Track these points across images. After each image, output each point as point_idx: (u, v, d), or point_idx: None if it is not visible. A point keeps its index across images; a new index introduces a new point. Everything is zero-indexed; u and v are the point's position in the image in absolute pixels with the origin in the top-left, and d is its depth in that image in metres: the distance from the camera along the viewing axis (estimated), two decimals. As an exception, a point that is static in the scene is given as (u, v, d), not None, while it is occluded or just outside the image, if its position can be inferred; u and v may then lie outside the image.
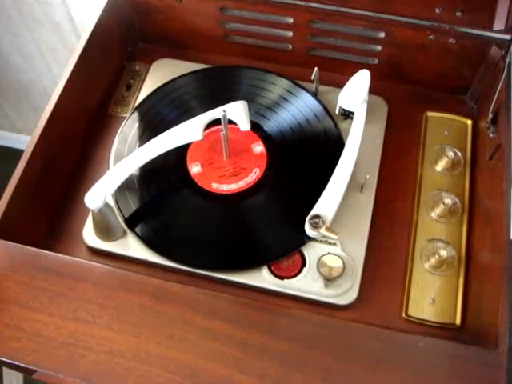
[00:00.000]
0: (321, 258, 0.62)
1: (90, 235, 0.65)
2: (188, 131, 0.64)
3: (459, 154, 0.69)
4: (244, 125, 0.63)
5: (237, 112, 0.63)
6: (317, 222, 0.61)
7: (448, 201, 0.64)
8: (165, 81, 0.75)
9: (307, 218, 0.61)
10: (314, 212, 0.61)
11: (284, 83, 0.73)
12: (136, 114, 0.72)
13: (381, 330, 0.52)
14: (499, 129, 0.61)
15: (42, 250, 0.56)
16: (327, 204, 0.62)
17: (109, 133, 0.73)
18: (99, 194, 0.60)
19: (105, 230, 0.64)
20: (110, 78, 0.77)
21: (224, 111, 0.61)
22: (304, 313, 0.53)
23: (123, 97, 0.77)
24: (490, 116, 0.62)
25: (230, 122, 0.64)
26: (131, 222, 0.65)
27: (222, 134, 0.63)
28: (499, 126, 0.61)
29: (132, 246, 0.64)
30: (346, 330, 0.52)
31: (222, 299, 0.53)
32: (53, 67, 1.10)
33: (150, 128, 0.71)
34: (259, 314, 0.52)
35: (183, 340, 0.51)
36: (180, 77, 0.73)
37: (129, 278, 0.55)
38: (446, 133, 0.71)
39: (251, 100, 0.71)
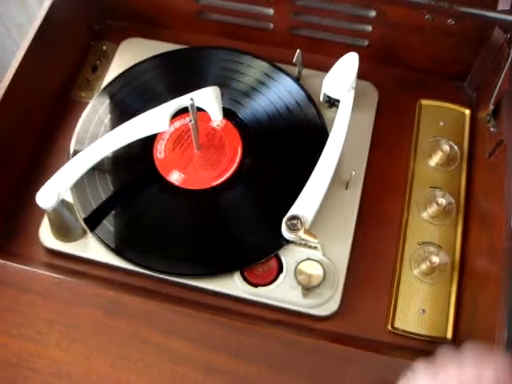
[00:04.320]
0: (299, 264, 0.56)
1: (46, 235, 0.59)
2: (153, 121, 0.57)
3: (455, 147, 0.63)
4: (215, 114, 0.57)
5: (207, 99, 0.57)
6: (295, 223, 0.55)
7: (442, 200, 0.58)
8: (133, 63, 0.68)
9: (284, 220, 0.55)
10: (291, 213, 0.55)
11: (262, 66, 0.66)
12: (99, 100, 0.65)
13: (364, 352, 0.46)
14: (501, 123, 0.54)
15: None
16: (307, 203, 0.56)
17: (71, 120, 0.66)
18: (52, 192, 0.54)
19: (62, 229, 0.58)
20: (74, 60, 0.71)
21: (191, 99, 0.54)
22: (276, 332, 0.47)
23: (88, 80, 0.71)
24: (491, 108, 0.56)
25: (201, 109, 0.57)
26: (91, 222, 0.59)
27: (190, 124, 0.57)
28: (501, 120, 0.54)
29: (92, 248, 0.58)
30: (324, 352, 0.46)
31: (183, 315, 0.47)
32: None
33: (114, 116, 0.64)
34: (225, 332, 0.46)
35: (139, 361, 0.46)
36: (147, 60, 0.66)
37: (81, 289, 0.49)
38: (441, 123, 0.65)
39: (225, 85, 0.64)
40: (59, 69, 0.68)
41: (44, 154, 0.65)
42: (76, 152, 0.60)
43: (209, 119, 0.58)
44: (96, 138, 0.62)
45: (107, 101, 0.65)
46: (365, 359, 0.46)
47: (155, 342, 0.46)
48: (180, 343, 0.46)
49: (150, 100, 0.64)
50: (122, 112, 0.65)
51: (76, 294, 0.48)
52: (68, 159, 0.61)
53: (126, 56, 0.69)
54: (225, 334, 0.46)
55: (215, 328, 0.46)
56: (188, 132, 0.61)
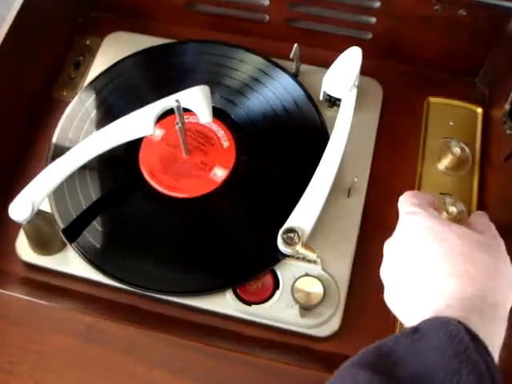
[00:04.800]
0: (296, 280, 0.51)
1: (24, 248, 0.55)
2: (136, 124, 0.52)
3: (467, 149, 0.58)
4: (204, 116, 0.52)
5: (194, 100, 0.52)
6: (291, 237, 0.50)
7: (452, 209, 0.54)
8: (118, 59, 0.63)
9: (280, 233, 0.50)
10: (287, 225, 0.51)
11: (256, 61, 0.61)
12: (80, 100, 0.61)
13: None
14: (519, 125, 0.49)
15: None
16: (304, 214, 0.51)
17: (52, 122, 0.62)
18: (26, 204, 0.49)
19: (39, 242, 0.54)
20: (55, 56, 0.66)
21: (177, 100, 0.49)
22: (268, 362, 0.42)
23: (71, 77, 0.66)
24: (507, 108, 0.51)
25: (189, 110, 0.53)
26: (70, 233, 0.54)
27: (177, 127, 0.52)
28: (519, 122, 0.50)
29: (72, 262, 0.54)
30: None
31: (167, 343, 0.42)
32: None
33: (97, 117, 0.60)
34: (213, 362, 0.42)
35: (119, 395, 0.41)
36: (131, 55, 0.61)
37: (57, 314, 0.45)
38: (451, 123, 0.60)
39: (216, 82, 0.60)
40: (38, 66, 0.64)
41: (24, 158, 0.60)
42: (55, 157, 0.55)
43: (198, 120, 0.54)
44: (77, 142, 0.57)
45: (89, 100, 0.60)
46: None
47: (137, 373, 0.41)
48: (163, 375, 0.41)
49: (136, 99, 0.59)
50: (106, 113, 0.60)
51: (51, 319, 0.44)
52: (46, 165, 0.57)
53: (111, 51, 0.65)
54: (212, 364, 0.41)
55: (202, 357, 0.42)
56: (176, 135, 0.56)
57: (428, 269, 0.38)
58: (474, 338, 0.33)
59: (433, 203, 0.44)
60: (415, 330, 0.34)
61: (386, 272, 0.43)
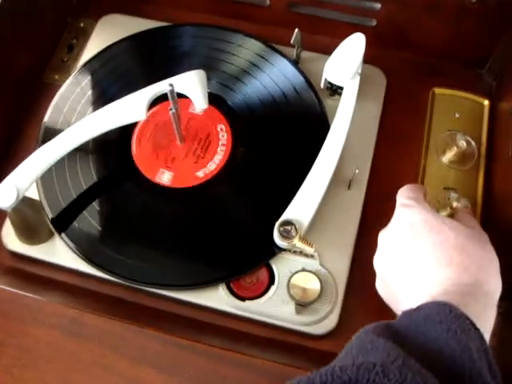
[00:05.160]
0: (293, 275, 0.49)
1: (9, 237, 0.53)
2: (129, 109, 0.50)
3: (473, 143, 0.56)
4: (199, 101, 0.50)
5: (189, 85, 0.50)
6: (288, 230, 0.48)
7: (457, 204, 0.51)
8: (112, 42, 0.60)
9: (276, 225, 0.48)
10: (284, 217, 0.48)
11: (255, 46, 0.59)
12: (72, 84, 0.58)
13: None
14: (529, 118, 0.47)
15: None
16: (302, 206, 0.49)
17: (43, 106, 0.60)
18: (11, 190, 0.47)
19: (26, 231, 0.52)
20: (47, 38, 0.64)
21: (171, 85, 0.47)
22: (260, 361, 0.40)
23: (63, 61, 0.63)
24: (517, 100, 0.49)
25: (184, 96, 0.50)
26: (59, 223, 0.52)
27: (170, 113, 0.49)
28: (529, 115, 0.47)
29: (60, 252, 0.52)
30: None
31: (155, 340, 0.40)
32: None
33: (89, 102, 0.57)
34: (204, 361, 0.40)
35: (103, 392, 0.39)
36: (125, 39, 0.59)
37: (39, 306, 0.42)
38: (456, 115, 0.58)
39: (213, 67, 0.57)
40: (28, 49, 0.61)
41: (12, 143, 0.58)
42: (45, 142, 0.53)
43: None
44: (68, 126, 0.55)
45: (81, 84, 0.58)
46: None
47: (122, 371, 0.39)
48: (150, 373, 0.39)
49: (130, 83, 0.57)
50: (99, 97, 0.58)
51: (33, 311, 0.42)
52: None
53: (105, 34, 0.62)
54: (202, 363, 0.39)
55: (192, 355, 0.39)
56: (170, 121, 0.54)
57: (424, 258, 0.40)
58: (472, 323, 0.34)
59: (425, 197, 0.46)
60: (417, 309, 0.35)
61: (379, 261, 0.44)
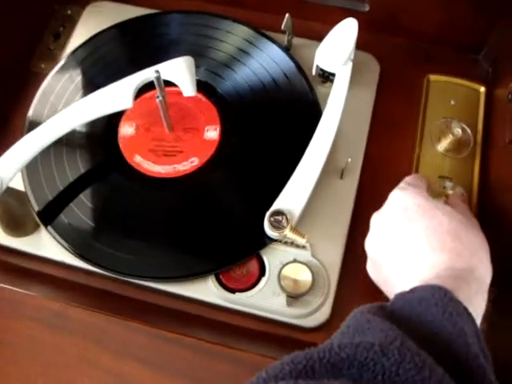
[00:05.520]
0: (284, 267, 0.48)
1: (-6, 228, 0.51)
2: (115, 97, 0.49)
3: (468, 130, 0.54)
4: (187, 89, 0.48)
5: (177, 72, 0.48)
6: (279, 220, 0.47)
7: (452, 193, 0.50)
8: (99, 29, 0.59)
9: (267, 215, 0.47)
10: (275, 207, 0.47)
11: (244, 32, 0.58)
12: (59, 72, 0.57)
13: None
14: (525, 104, 0.46)
15: None
16: (294, 196, 0.48)
17: (30, 95, 0.58)
18: (-6, 180, 0.46)
19: (10, 222, 0.51)
20: (33, 26, 0.62)
21: (157, 71, 0.45)
22: (250, 355, 0.39)
23: (49, 49, 0.62)
24: (513, 86, 0.47)
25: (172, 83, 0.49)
26: (46, 215, 0.51)
27: (157, 100, 0.48)
28: (525, 100, 0.46)
29: (46, 244, 0.51)
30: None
31: (139, 333, 0.39)
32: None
33: (76, 90, 0.56)
34: (190, 355, 0.38)
35: (86, 387, 0.38)
36: (112, 27, 0.58)
37: (22, 300, 0.41)
38: (452, 102, 0.57)
39: (202, 54, 0.56)
40: (14, 37, 0.60)
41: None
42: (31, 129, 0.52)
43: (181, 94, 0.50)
44: (52, 114, 0.53)
45: (68, 72, 0.57)
46: None
47: (104, 364, 0.38)
48: (135, 368, 0.38)
49: (118, 71, 0.55)
50: (86, 85, 0.57)
51: (14, 305, 0.41)
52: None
53: (93, 22, 0.61)
54: (189, 357, 0.38)
55: (178, 349, 0.38)
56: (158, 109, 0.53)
57: (417, 242, 0.40)
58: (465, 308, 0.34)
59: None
60: (411, 291, 0.35)
61: (371, 243, 0.44)
